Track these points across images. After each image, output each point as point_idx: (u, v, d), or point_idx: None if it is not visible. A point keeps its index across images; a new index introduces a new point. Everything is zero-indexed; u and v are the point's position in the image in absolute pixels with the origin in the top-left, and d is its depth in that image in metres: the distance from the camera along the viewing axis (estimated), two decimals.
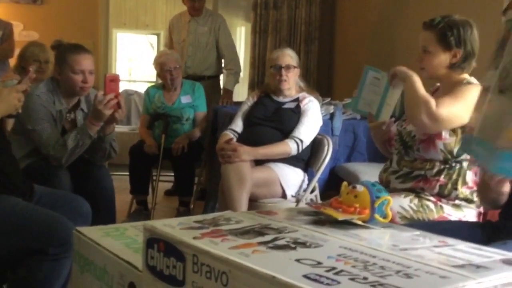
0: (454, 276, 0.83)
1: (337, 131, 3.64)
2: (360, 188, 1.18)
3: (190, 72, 4.67)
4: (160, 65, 4.17)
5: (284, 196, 3.02)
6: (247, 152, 2.92)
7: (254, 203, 2.92)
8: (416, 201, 2.18)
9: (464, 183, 2.20)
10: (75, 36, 2.88)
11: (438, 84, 2.36)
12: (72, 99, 2.85)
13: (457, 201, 2.20)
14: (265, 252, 0.92)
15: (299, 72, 3.28)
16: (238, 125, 3.26)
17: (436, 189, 2.20)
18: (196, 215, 1.22)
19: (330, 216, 1.14)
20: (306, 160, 3.17)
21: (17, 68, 3.90)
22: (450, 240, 1.06)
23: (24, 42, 4.60)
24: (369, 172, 3.18)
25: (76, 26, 5.58)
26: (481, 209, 2.23)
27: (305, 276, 0.80)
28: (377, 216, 1.16)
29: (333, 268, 0.84)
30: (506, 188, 1.69)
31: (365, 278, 0.80)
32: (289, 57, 3.21)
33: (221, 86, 4.99)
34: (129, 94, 8.24)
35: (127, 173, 4.06)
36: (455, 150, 2.17)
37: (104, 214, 2.65)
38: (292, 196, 3.06)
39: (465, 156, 2.17)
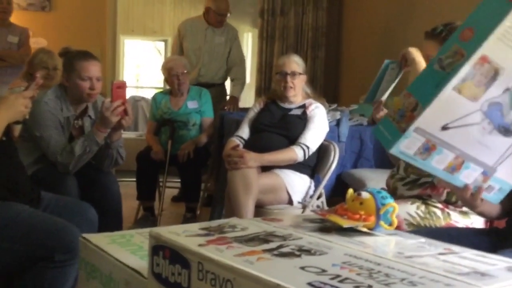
0: (458, 284, 0.83)
1: (343, 137, 3.63)
2: (365, 195, 1.18)
3: (202, 80, 4.70)
4: (168, 70, 4.19)
5: (290, 202, 3.02)
6: (254, 159, 2.92)
7: (260, 209, 2.92)
8: (423, 208, 2.18)
9: None
10: (83, 43, 2.91)
11: None
12: (79, 106, 2.86)
13: (464, 208, 2.19)
14: (269, 260, 0.92)
15: (305, 78, 3.28)
16: (244, 131, 3.27)
17: (443, 196, 2.19)
18: (203, 221, 1.22)
19: (335, 223, 1.14)
20: (312, 166, 3.17)
21: (26, 75, 3.92)
22: (456, 248, 1.05)
23: (33, 49, 4.65)
24: (376, 179, 3.17)
25: (84, 33, 5.62)
26: None
27: (310, 284, 0.80)
28: (382, 223, 1.16)
29: (338, 276, 0.84)
30: (477, 201, 1.54)
31: (369, 286, 0.80)
32: (295, 63, 3.21)
33: (227, 92, 5.02)
34: (136, 100, 8.26)
35: (134, 179, 4.07)
36: None
37: (111, 220, 2.66)
38: (299, 202, 3.05)
39: None
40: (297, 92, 3.22)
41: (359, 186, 3.15)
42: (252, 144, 3.13)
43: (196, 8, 7.75)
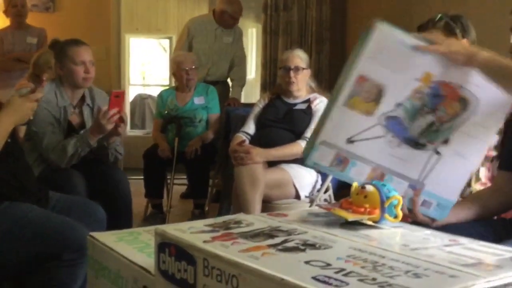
0: (463, 275, 0.83)
1: None
2: (370, 188, 1.18)
3: (210, 79, 4.71)
4: (177, 63, 4.19)
5: (297, 197, 3.02)
6: (260, 154, 2.93)
7: (267, 204, 2.92)
8: None
9: (478, 179, 2.18)
10: (88, 42, 2.92)
11: None
12: (75, 93, 2.89)
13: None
14: (274, 255, 0.92)
15: (309, 73, 3.28)
16: (250, 127, 3.27)
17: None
18: (211, 217, 1.23)
19: (340, 217, 1.14)
20: None
21: (31, 76, 3.94)
22: (461, 239, 1.05)
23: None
24: None
25: (89, 32, 5.62)
26: None
27: (314, 278, 0.81)
28: (387, 216, 1.16)
29: (342, 270, 0.84)
30: (419, 216, 1.51)
31: (374, 279, 0.80)
32: (299, 58, 3.21)
33: (230, 88, 5.04)
34: (143, 98, 8.29)
35: (142, 177, 4.08)
36: None
37: (121, 218, 2.69)
38: (306, 196, 3.06)
39: None
40: (301, 86, 3.22)
41: None
42: (258, 140, 3.14)
43: (199, 5, 7.75)
